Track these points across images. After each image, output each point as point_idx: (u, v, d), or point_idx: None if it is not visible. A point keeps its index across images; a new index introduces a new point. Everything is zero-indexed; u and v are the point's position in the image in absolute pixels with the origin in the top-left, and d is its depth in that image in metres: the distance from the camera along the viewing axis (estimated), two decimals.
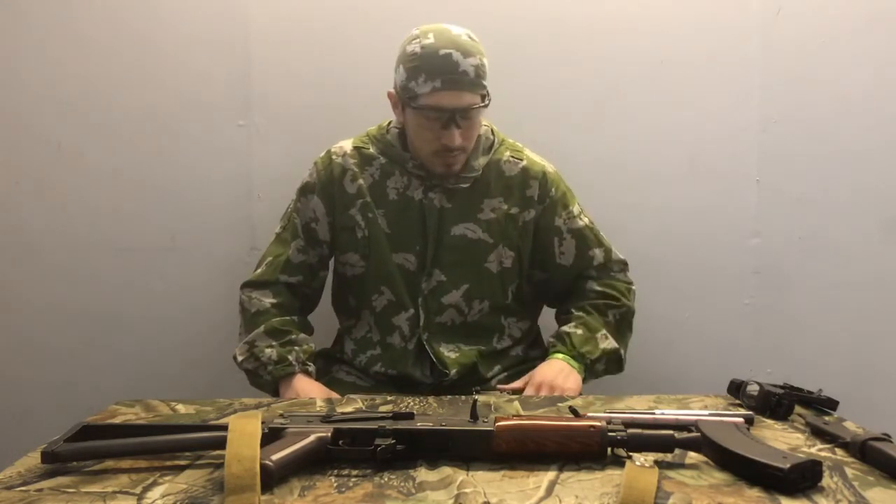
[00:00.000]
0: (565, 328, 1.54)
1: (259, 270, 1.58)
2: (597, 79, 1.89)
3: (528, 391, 1.40)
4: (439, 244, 1.52)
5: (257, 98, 1.87)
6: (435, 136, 1.43)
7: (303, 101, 1.87)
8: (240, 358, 1.51)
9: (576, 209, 1.59)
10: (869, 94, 1.89)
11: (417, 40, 1.41)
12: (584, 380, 1.48)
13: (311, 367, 1.49)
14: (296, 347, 1.49)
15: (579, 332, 1.52)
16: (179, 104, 1.86)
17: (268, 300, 1.54)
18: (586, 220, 1.60)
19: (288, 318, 1.53)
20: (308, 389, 1.43)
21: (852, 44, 1.88)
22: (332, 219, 1.57)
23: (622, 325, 1.57)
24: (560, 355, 1.49)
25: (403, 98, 1.44)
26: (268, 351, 1.48)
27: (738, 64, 1.89)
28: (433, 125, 1.42)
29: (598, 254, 1.59)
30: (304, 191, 1.58)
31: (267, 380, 1.47)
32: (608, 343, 1.53)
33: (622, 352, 1.55)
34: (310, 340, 1.53)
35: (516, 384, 1.45)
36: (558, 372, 1.44)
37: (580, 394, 1.41)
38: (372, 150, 1.56)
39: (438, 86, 1.38)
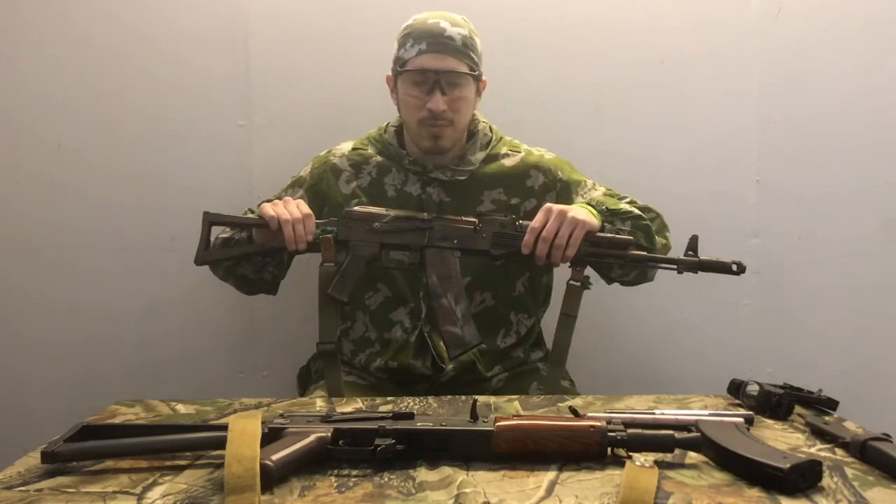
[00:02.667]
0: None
1: None
2: (596, 78, 1.89)
3: (539, 215, 1.37)
4: None
5: (257, 98, 1.87)
6: (421, 102, 1.46)
7: (303, 101, 1.87)
8: (221, 239, 1.51)
9: (589, 182, 1.59)
10: (869, 94, 1.89)
11: (412, 18, 1.49)
12: (603, 229, 1.41)
13: None
14: None
15: (598, 197, 1.50)
16: (179, 104, 1.86)
17: None
18: (602, 188, 1.58)
19: None
20: (286, 199, 1.43)
21: (852, 44, 1.88)
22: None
23: (654, 227, 1.48)
24: (579, 205, 1.44)
25: (395, 70, 1.49)
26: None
27: (737, 63, 1.89)
28: (419, 91, 1.46)
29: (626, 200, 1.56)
30: (295, 183, 1.61)
31: (243, 235, 1.48)
32: (633, 209, 1.46)
33: (651, 227, 1.46)
34: None
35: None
36: (561, 220, 1.36)
37: (592, 235, 1.37)
38: (370, 150, 1.58)
39: (424, 48, 1.44)
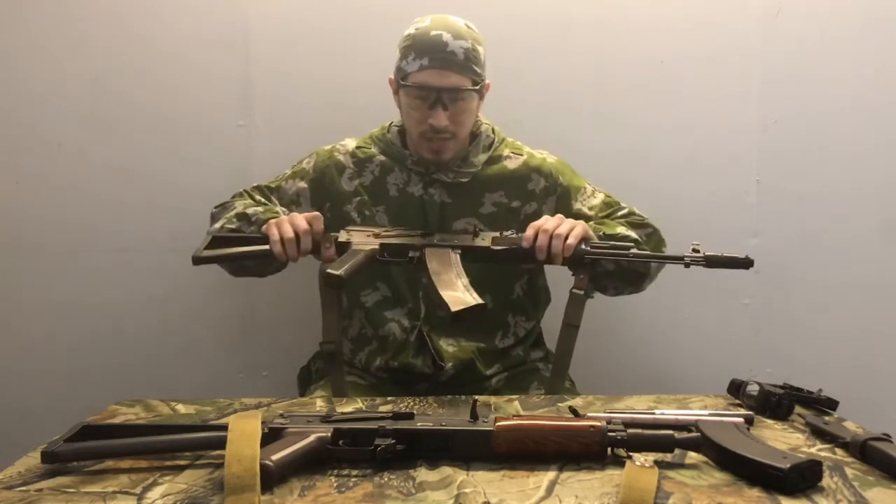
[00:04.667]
0: None
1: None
2: (597, 78, 1.89)
3: (528, 231, 1.37)
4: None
5: (257, 98, 1.87)
6: (423, 116, 1.44)
7: (303, 102, 1.87)
8: (217, 226, 1.49)
9: (589, 188, 1.59)
10: (869, 94, 1.89)
11: (415, 24, 1.46)
12: None
13: None
14: (280, 209, 1.52)
15: (592, 224, 1.48)
16: (179, 104, 1.86)
17: (245, 200, 1.57)
18: (602, 195, 1.59)
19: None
20: (293, 214, 1.42)
21: (852, 44, 1.88)
22: (315, 209, 1.54)
23: (650, 246, 1.49)
24: None
25: (397, 79, 1.48)
26: (254, 209, 1.49)
27: (738, 64, 1.89)
28: (421, 106, 1.44)
29: (622, 214, 1.56)
30: (296, 174, 1.60)
31: (250, 230, 1.46)
32: (629, 232, 1.46)
33: (646, 251, 1.46)
34: None
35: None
36: (560, 220, 1.38)
37: (582, 243, 1.36)
38: (373, 149, 1.58)
39: (426, 63, 1.41)
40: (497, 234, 1.41)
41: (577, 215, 1.54)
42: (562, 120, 1.87)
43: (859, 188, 1.90)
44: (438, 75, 1.42)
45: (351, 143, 1.61)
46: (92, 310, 1.89)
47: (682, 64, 1.89)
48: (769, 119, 1.90)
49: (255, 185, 1.64)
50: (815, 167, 1.90)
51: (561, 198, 1.57)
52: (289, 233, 1.37)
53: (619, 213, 1.56)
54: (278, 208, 1.53)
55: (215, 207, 1.60)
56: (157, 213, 1.88)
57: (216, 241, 1.45)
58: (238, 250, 1.45)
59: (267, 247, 1.39)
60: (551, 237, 1.35)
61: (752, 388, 1.22)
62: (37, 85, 1.85)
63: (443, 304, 1.29)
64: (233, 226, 1.49)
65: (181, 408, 1.25)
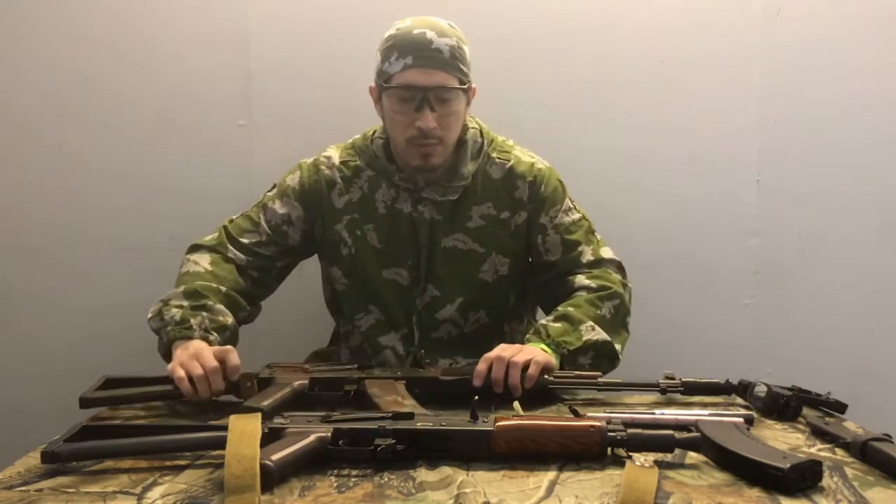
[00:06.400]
0: (543, 320, 1.39)
1: (211, 236, 1.49)
2: (596, 78, 1.89)
3: (481, 364, 1.25)
4: (431, 258, 1.47)
5: (257, 98, 1.87)
6: (409, 120, 1.36)
7: (303, 101, 1.87)
8: (149, 315, 1.37)
9: (566, 204, 1.50)
10: (869, 94, 1.89)
11: (395, 25, 1.40)
12: (562, 367, 1.31)
13: (214, 337, 1.32)
14: (204, 313, 1.33)
15: (557, 325, 1.36)
16: (179, 104, 1.86)
17: (204, 263, 1.43)
18: (576, 215, 1.50)
19: (214, 285, 1.39)
20: (198, 347, 1.26)
21: (852, 43, 1.88)
22: (307, 227, 1.50)
23: (616, 321, 1.41)
24: (534, 344, 1.33)
25: (379, 84, 1.40)
26: (174, 311, 1.33)
27: (738, 63, 1.89)
28: (407, 108, 1.36)
29: (586, 250, 1.47)
30: (283, 193, 1.51)
31: (163, 341, 1.33)
32: (595, 334, 1.36)
33: (616, 346, 1.38)
34: (227, 315, 1.37)
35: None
36: (519, 349, 1.27)
37: (544, 373, 1.26)
38: (358, 161, 1.50)
39: (410, 63, 1.34)
40: (448, 364, 1.32)
41: (538, 228, 1.48)
42: (562, 120, 1.87)
43: (859, 188, 1.90)
44: (424, 74, 1.34)
45: (334, 155, 1.52)
46: (92, 309, 1.88)
47: (682, 64, 1.89)
48: (769, 119, 1.90)
49: (242, 213, 1.53)
50: (815, 167, 1.90)
51: (536, 207, 1.49)
52: (197, 370, 1.21)
53: (584, 261, 1.46)
54: (195, 322, 1.32)
55: (188, 252, 1.50)
56: (157, 214, 1.88)
57: (110, 382, 1.31)
58: (136, 391, 1.29)
59: (170, 387, 1.24)
60: (508, 366, 1.23)
61: (760, 390, 1.21)
62: (37, 85, 1.85)
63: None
64: (154, 325, 1.36)
65: (181, 408, 1.25)
